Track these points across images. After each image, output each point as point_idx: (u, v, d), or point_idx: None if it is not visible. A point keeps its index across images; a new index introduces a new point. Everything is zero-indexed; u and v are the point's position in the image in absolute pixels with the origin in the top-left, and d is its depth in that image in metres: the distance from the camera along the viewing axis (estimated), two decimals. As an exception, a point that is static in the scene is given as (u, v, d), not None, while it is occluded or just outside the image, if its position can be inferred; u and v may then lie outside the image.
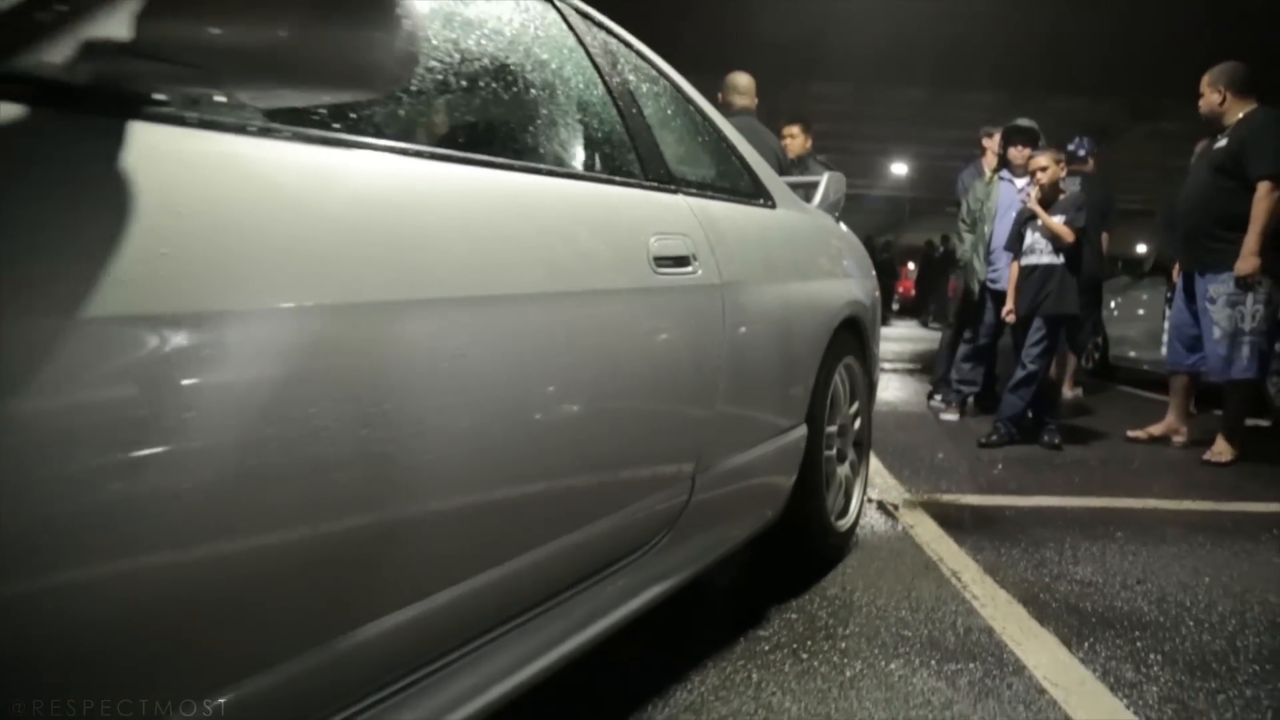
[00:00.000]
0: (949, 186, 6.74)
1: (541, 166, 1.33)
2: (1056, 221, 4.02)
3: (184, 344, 0.73)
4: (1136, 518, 3.01)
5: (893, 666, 1.77)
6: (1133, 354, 6.99)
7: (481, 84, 1.28)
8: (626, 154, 1.60)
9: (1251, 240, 3.68)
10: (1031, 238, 4.16)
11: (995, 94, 11.42)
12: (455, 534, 1.06)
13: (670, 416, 1.53)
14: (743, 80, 4.56)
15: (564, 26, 1.59)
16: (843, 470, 2.48)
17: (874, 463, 3.38)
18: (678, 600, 1.72)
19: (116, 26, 0.72)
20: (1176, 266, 4.51)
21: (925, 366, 8.27)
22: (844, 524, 2.45)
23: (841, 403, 2.47)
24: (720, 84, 4.54)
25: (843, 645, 1.87)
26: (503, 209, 1.16)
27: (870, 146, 16.43)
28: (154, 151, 0.75)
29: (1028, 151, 4.58)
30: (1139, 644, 1.91)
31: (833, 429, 2.36)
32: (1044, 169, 4.09)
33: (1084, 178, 5.18)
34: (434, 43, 1.16)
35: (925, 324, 17.75)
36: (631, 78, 1.76)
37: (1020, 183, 4.69)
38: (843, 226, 2.76)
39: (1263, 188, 3.66)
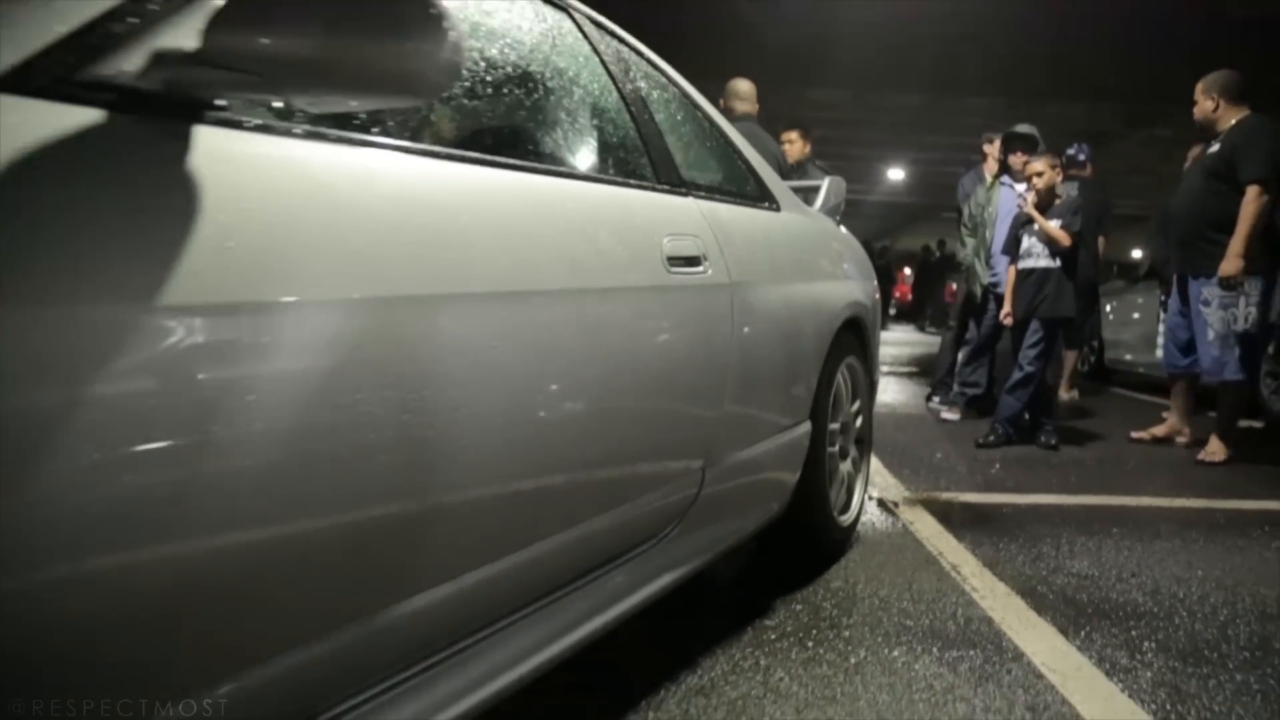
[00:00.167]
0: (945, 192, 6.83)
1: (562, 169, 1.40)
2: (1053, 226, 4.09)
3: (247, 332, 0.79)
4: (1131, 515, 3.07)
5: (896, 653, 1.82)
6: (1128, 357, 7.07)
7: (506, 90, 1.34)
8: (640, 158, 1.66)
9: (1237, 242, 3.76)
10: (1028, 242, 4.23)
11: (991, 100, 11.49)
12: (487, 516, 1.12)
13: (683, 410, 1.59)
14: (744, 86, 4.64)
15: (579, 35, 1.65)
16: (845, 467, 2.54)
17: (874, 462, 3.43)
18: (686, 591, 1.78)
19: (184, 37, 0.79)
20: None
21: (923, 370, 8.35)
22: (846, 519, 2.51)
23: (844, 401, 2.53)
24: (719, 90, 4.61)
25: (847, 634, 1.93)
26: (529, 209, 1.22)
27: (867, 152, 16.50)
28: (218, 153, 0.81)
29: (1025, 157, 4.65)
30: (1133, 633, 1.98)
31: (835, 426, 2.42)
32: (1040, 174, 4.17)
33: (1082, 183, 5.27)
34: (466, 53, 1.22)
35: (922, 328, 17.83)
36: (643, 84, 1.83)
37: (1020, 187, 4.77)
38: (843, 230, 2.83)
39: (1251, 191, 3.74)
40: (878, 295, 2.85)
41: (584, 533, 1.34)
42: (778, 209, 2.25)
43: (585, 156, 1.55)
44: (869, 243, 15.51)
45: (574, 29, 1.64)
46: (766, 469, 1.98)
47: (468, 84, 1.22)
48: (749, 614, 2.01)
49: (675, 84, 2.05)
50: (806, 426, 2.16)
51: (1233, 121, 3.93)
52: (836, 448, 2.45)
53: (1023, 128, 4.87)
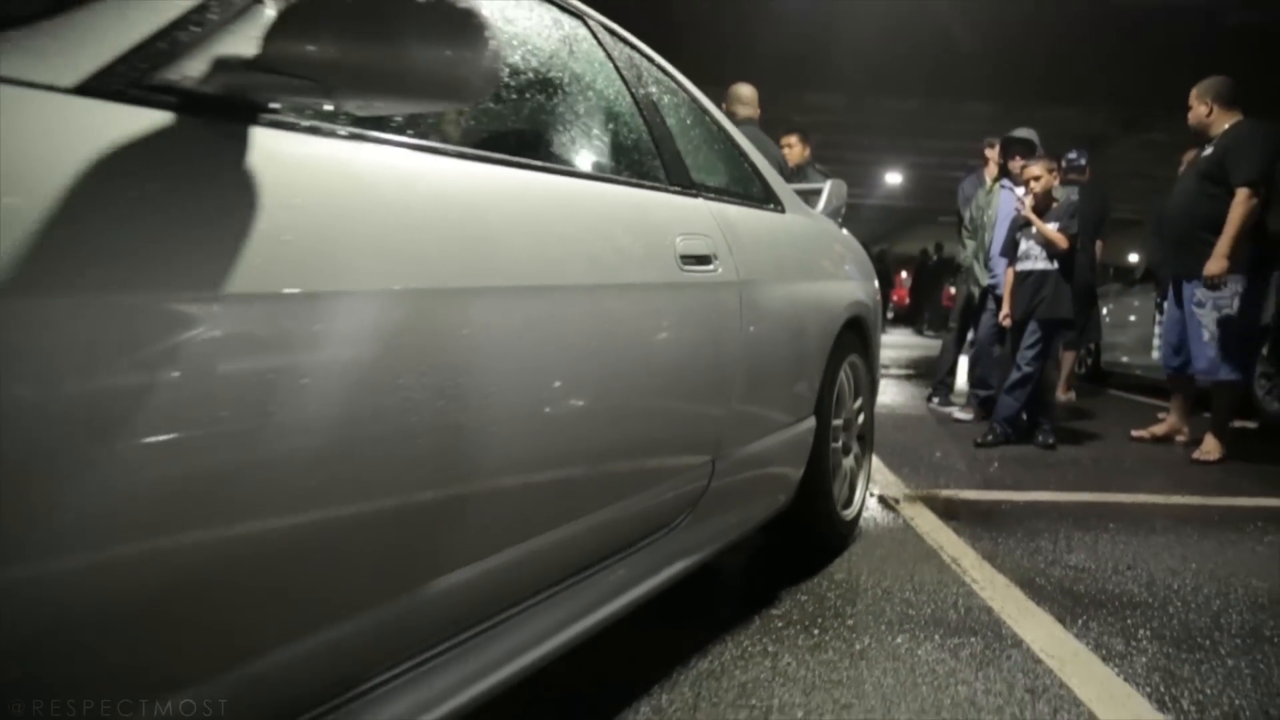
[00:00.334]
0: (942, 196, 6.89)
1: (581, 170, 1.46)
2: (1051, 228, 4.16)
3: (302, 321, 0.85)
4: (1127, 511, 3.13)
5: (899, 640, 1.88)
6: (1125, 359, 7.14)
7: (528, 94, 1.40)
8: (652, 160, 1.72)
9: (1223, 243, 3.84)
10: (1026, 244, 4.30)
11: (988, 105, 11.58)
12: (515, 499, 1.18)
13: (695, 402, 1.65)
14: (745, 91, 4.71)
15: (594, 41, 1.71)
16: (848, 462, 2.60)
17: (875, 460, 3.49)
18: (695, 582, 1.84)
19: (242, 44, 0.85)
20: None
21: (921, 372, 8.42)
22: (849, 514, 2.56)
23: (846, 398, 2.59)
24: (719, 95, 4.67)
25: (851, 622, 1.98)
26: (551, 208, 1.28)
27: (864, 156, 16.58)
28: (273, 153, 0.87)
29: (1022, 160, 4.73)
30: (1129, 621, 2.04)
31: (839, 422, 2.48)
32: (1037, 178, 4.24)
33: (1083, 187, 5.36)
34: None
35: (920, 331, 17.90)
36: (654, 89, 1.89)
37: (1020, 191, 4.84)
38: (844, 232, 2.89)
39: (1241, 194, 3.83)
40: (879, 296, 2.91)
41: (603, 519, 1.39)
42: (782, 210, 2.31)
43: (602, 158, 1.61)
44: (866, 246, 15.58)
45: (589, 35, 1.70)
46: (773, 462, 2.04)
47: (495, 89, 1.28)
48: (756, 604, 2.07)
49: (684, 89, 2.11)
50: (811, 422, 2.22)
51: (1225, 126, 4.01)
52: (840, 443, 2.51)
53: (1021, 132, 4.95)
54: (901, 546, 2.60)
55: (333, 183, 0.93)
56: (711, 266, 1.69)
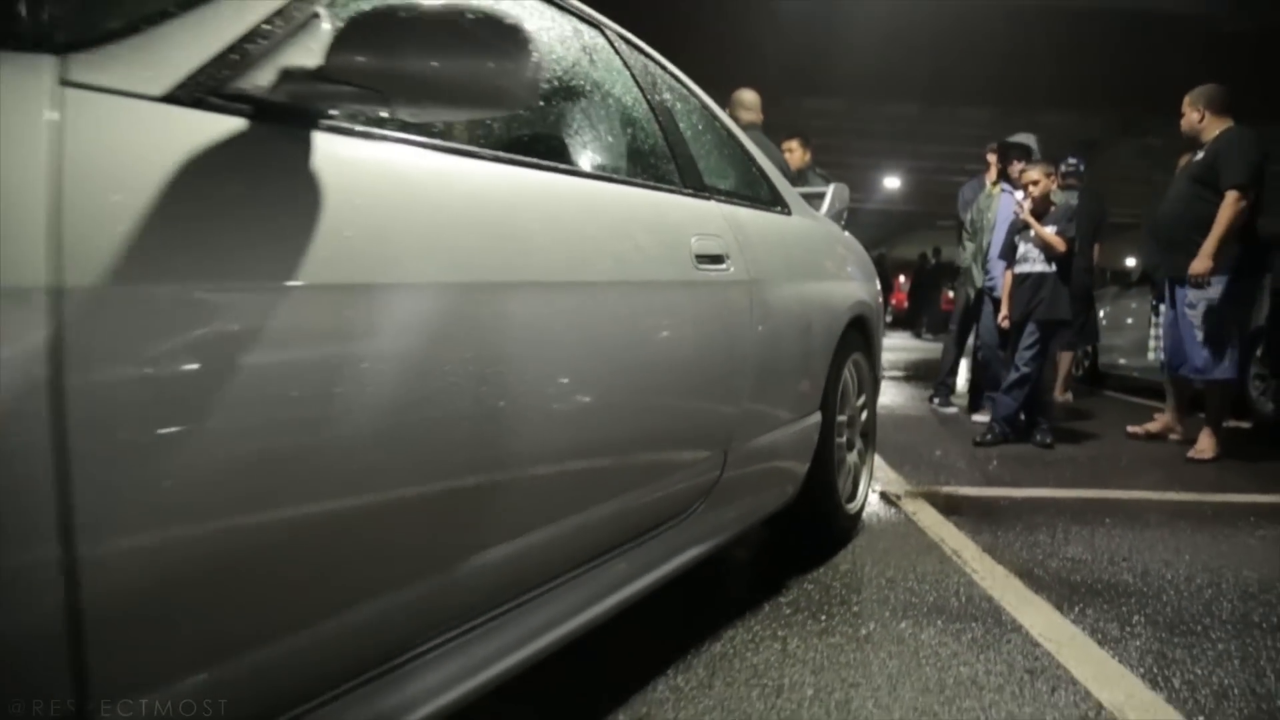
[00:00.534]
0: (941, 200, 6.98)
1: (603, 173, 1.54)
2: (1049, 231, 4.24)
3: (361, 310, 0.93)
4: (1124, 507, 3.21)
5: (903, 626, 1.96)
6: (1122, 361, 7.22)
7: (554, 101, 1.48)
8: (668, 164, 1.80)
9: (1209, 243, 3.94)
10: (1024, 247, 4.38)
11: (985, 110, 11.67)
12: (547, 480, 1.25)
13: (710, 395, 1.73)
14: (748, 96, 4.79)
15: (611, 50, 1.79)
16: (851, 458, 2.67)
17: (876, 459, 3.56)
18: (706, 572, 1.90)
19: (305, 56, 0.92)
20: None
21: (920, 374, 8.50)
22: (853, 507, 2.64)
23: (850, 395, 2.66)
24: (719, 99, 4.74)
25: (856, 609, 2.06)
26: (578, 209, 1.36)
27: (863, 161, 16.67)
28: (334, 156, 0.94)
29: (1021, 165, 4.81)
30: (1124, 608, 2.11)
31: (843, 418, 2.56)
32: (1036, 182, 4.32)
33: (1082, 192, 5.46)
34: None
35: (919, 335, 17.99)
36: (667, 96, 1.97)
37: (1019, 195, 4.92)
38: (847, 234, 2.97)
39: (1230, 196, 3.93)
40: (880, 297, 2.99)
41: (625, 504, 1.47)
42: (789, 213, 2.39)
43: (622, 162, 1.69)
44: (865, 250, 15.64)
45: (607, 45, 1.78)
46: (781, 456, 2.12)
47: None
48: (765, 592, 2.15)
49: (695, 95, 2.19)
50: (817, 417, 2.29)
51: (1217, 132, 4.11)
52: (844, 439, 2.58)
53: (1020, 137, 5.05)
54: (904, 540, 2.68)
55: (384, 184, 1.01)
56: (724, 266, 1.76)
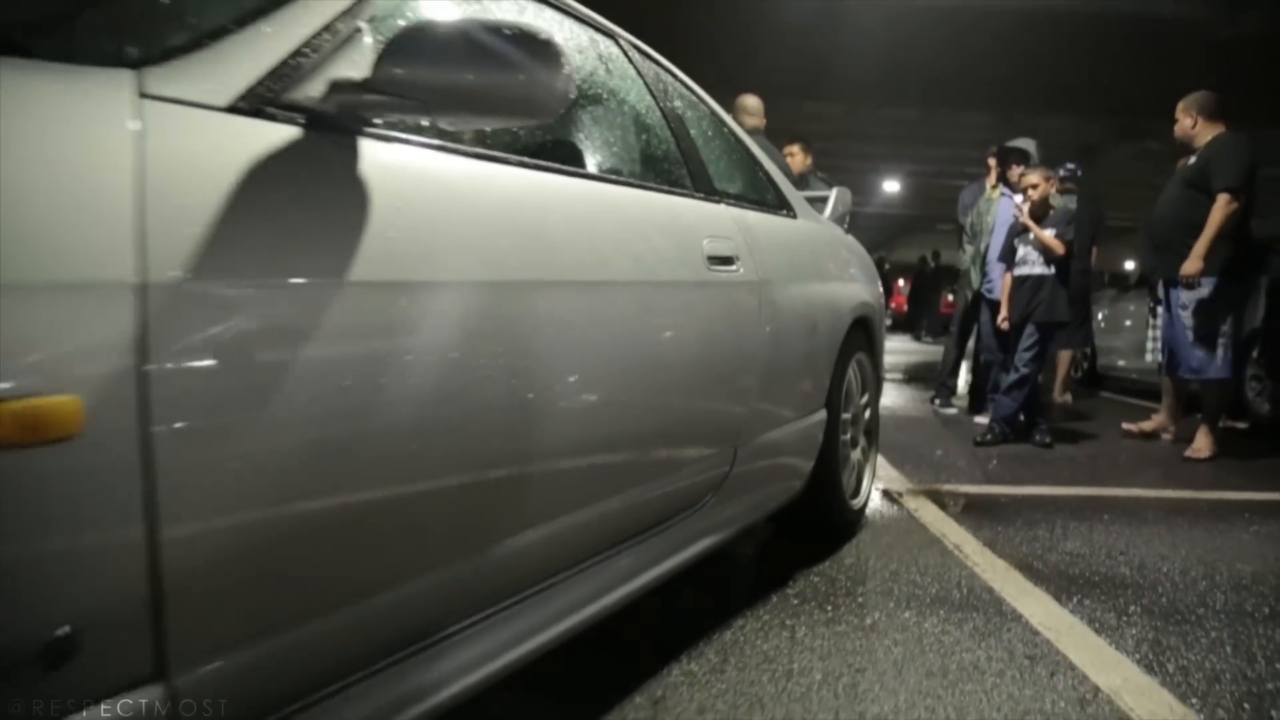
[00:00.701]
0: (940, 204, 7.04)
1: (621, 178, 1.60)
2: (1048, 234, 4.31)
3: (402, 306, 0.99)
4: (1121, 504, 3.28)
5: (907, 615, 2.02)
6: (1120, 363, 7.29)
7: (575, 110, 1.55)
8: (680, 169, 1.86)
9: (1200, 244, 4.03)
10: (1023, 250, 4.45)
11: (985, 114, 11.76)
12: (570, 470, 1.32)
13: (721, 392, 1.79)
14: (751, 102, 4.87)
15: (625, 60, 1.86)
16: (855, 455, 2.74)
17: (879, 458, 3.63)
18: (714, 565, 1.96)
19: (351, 69, 0.99)
20: None
21: (920, 376, 8.57)
22: (856, 503, 2.70)
23: (854, 394, 2.73)
24: (721, 103, 4.82)
25: (861, 600, 2.12)
26: (598, 212, 1.43)
27: (862, 165, 16.75)
28: (377, 162, 1.01)
29: (1021, 169, 4.89)
30: (1120, 599, 2.18)
31: (847, 416, 2.63)
32: (1035, 186, 4.39)
33: (1081, 195, 5.53)
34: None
35: (919, 338, 18.06)
36: (679, 103, 2.03)
37: (1018, 198, 4.99)
38: (850, 237, 3.03)
39: (1221, 199, 4.01)
40: (883, 299, 3.06)
41: (641, 495, 1.54)
42: (794, 216, 2.46)
43: (638, 166, 1.76)
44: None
45: (621, 54, 1.85)
46: (788, 452, 2.18)
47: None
48: (772, 584, 2.21)
49: (704, 101, 2.26)
50: (822, 415, 2.36)
51: (1209, 137, 4.20)
52: (848, 436, 2.65)
53: (1018, 142, 5.13)
54: (906, 535, 2.75)
55: (424, 187, 1.07)
56: (734, 267, 1.83)
